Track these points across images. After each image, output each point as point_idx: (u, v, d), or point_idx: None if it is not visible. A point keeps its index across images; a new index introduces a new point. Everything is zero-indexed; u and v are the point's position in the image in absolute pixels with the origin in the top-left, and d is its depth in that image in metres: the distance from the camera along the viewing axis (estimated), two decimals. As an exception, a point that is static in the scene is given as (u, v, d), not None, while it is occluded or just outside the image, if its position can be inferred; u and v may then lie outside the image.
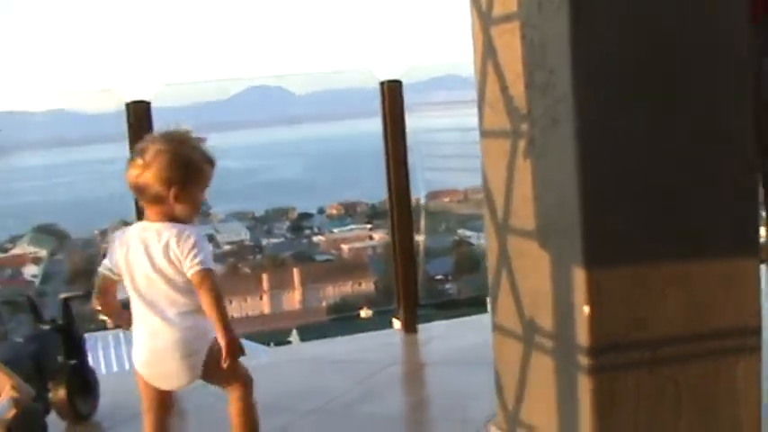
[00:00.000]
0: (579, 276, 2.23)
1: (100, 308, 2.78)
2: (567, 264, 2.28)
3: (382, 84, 4.79)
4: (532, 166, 2.40)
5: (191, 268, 2.57)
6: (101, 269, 2.74)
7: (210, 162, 2.66)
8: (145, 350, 2.69)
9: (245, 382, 2.72)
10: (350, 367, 4.48)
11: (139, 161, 2.63)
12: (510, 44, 2.46)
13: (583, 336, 2.26)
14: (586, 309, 2.23)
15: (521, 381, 2.63)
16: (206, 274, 2.56)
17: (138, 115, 4.44)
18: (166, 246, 2.59)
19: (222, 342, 2.52)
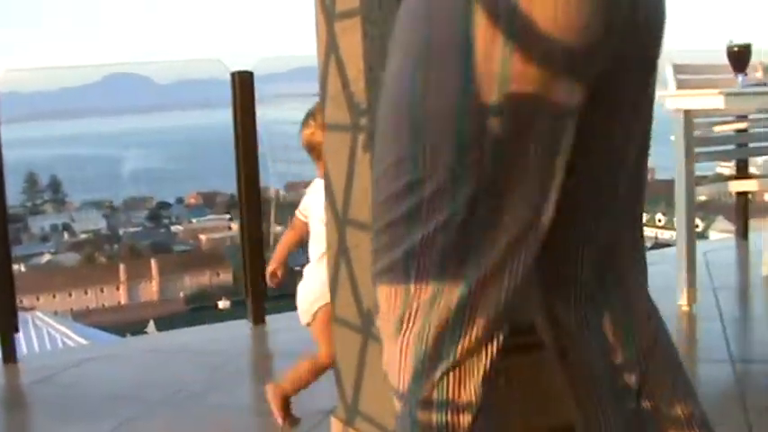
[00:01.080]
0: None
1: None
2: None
3: (233, 74, 4.81)
4: (371, 160, 2.44)
5: None
6: (297, 212, 3.11)
7: None
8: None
9: None
10: (200, 358, 4.48)
11: (312, 122, 2.93)
12: (351, 40, 2.49)
13: (417, 327, 2.30)
14: (420, 301, 2.27)
15: (358, 371, 2.67)
16: None
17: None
18: None
19: None
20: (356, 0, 2.45)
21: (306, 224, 3.06)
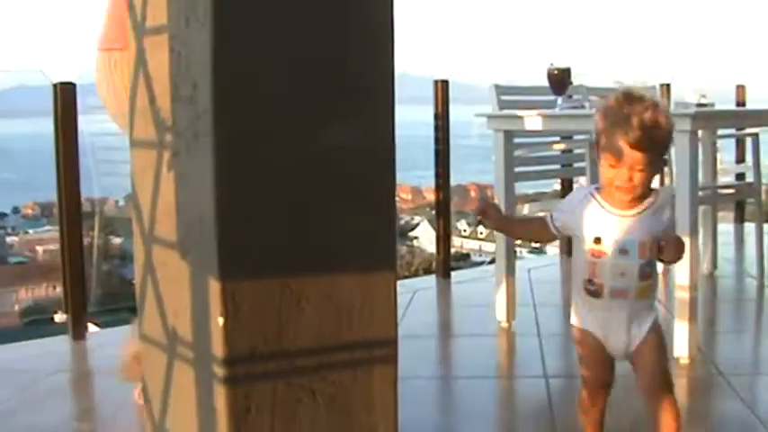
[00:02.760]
0: (214, 288, 2.27)
1: None
2: (204, 276, 2.31)
3: (55, 85, 4.73)
4: (176, 179, 2.42)
5: None
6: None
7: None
8: None
9: None
10: (12, 376, 4.36)
11: None
12: (159, 56, 2.46)
13: (218, 346, 2.29)
14: (221, 320, 2.27)
15: (165, 391, 2.64)
16: None
17: None
18: None
19: None
20: (164, 17, 2.43)
21: None
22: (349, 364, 2.48)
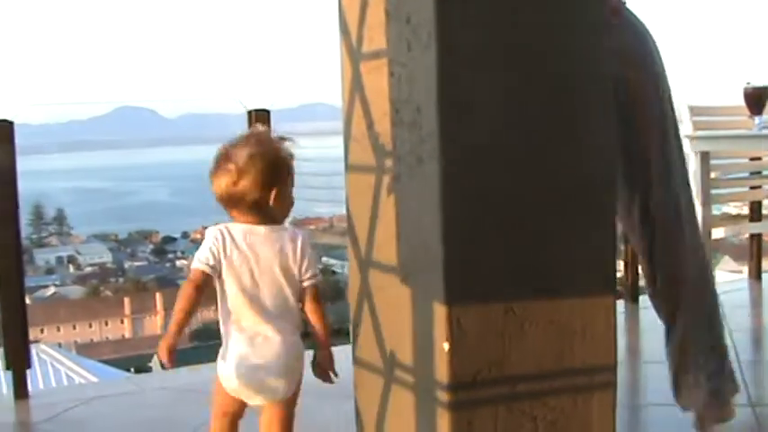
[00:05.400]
0: (439, 313, 2.26)
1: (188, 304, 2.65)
2: (427, 300, 2.30)
3: (250, 113, 4.81)
4: (396, 203, 2.42)
5: (309, 279, 2.61)
6: (197, 264, 2.64)
7: (293, 157, 2.66)
8: (243, 360, 2.67)
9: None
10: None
11: (232, 167, 2.59)
12: (378, 81, 2.47)
13: (442, 372, 2.28)
14: (446, 345, 2.25)
15: (380, 415, 2.64)
16: (318, 285, 2.61)
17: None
18: (281, 252, 2.61)
19: (327, 356, 2.62)
20: (383, 41, 2.44)
21: (210, 278, 2.66)
22: (570, 389, 2.43)
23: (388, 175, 2.46)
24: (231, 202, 2.66)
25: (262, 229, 2.66)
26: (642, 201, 3.15)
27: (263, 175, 2.60)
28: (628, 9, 3.12)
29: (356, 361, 2.77)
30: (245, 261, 2.64)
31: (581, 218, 2.37)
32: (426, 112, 2.25)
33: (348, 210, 2.73)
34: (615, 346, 2.49)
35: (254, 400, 2.75)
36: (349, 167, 2.70)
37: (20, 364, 4.49)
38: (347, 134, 2.70)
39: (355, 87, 2.63)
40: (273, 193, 2.62)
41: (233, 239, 2.65)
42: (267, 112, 4.84)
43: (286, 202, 2.69)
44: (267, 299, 2.65)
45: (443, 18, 2.20)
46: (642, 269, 3.39)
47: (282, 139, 2.70)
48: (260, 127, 2.76)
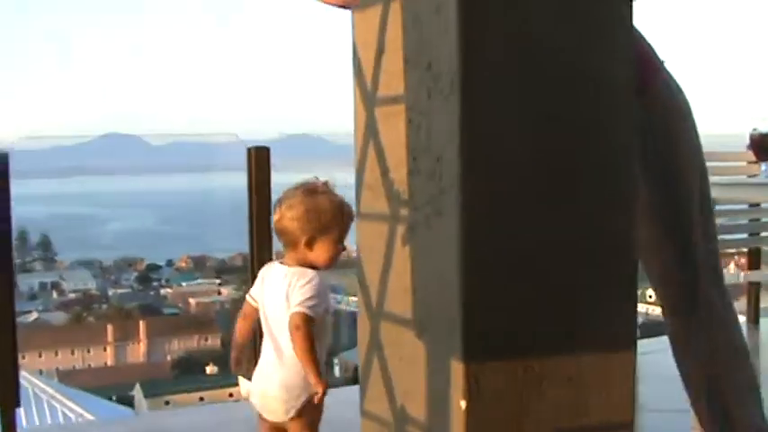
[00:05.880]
0: (457, 370, 2.18)
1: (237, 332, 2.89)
2: (444, 356, 2.23)
3: (249, 150, 4.76)
4: (412, 255, 2.35)
5: (294, 308, 2.61)
6: (247, 295, 2.87)
7: (348, 214, 2.69)
8: (259, 382, 2.80)
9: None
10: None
11: (278, 207, 2.75)
12: (394, 127, 2.41)
13: (458, 429, 2.20)
14: (463, 403, 2.17)
15: (388, 470, 2.56)
16: (306, 319, 2.58)
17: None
18: (288, 286, 2.67)
19: (318, 387, 2.58)
20: (401, 87, 2.38)
21: (256, 310, 2.84)
22: (587, 448, 2.36)
23: (403, 225, 2.39)
24: (278, 235, 2.81)
25: (287, 268, 2.71)
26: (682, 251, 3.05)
27: (299, 222, 2.67)
28: (665, 69, 3.02)
29: (364, 413, 2.69)
30: (263, 294, 2.78)
31: (600, 275, 2.31)
32: (447, 163, 2.18)
33: (359, 257, 2.66)
34: (633, 401, 2.43)
35: (268, 416, 2.82)
36: (361, 215, 2.63)
37: (9, 402, 4.38)
38: (359, 180, 2.64)
39: (369, 133, 2.56)
40: (305, 239, 2.64)
41: (264, 274, 2.83)
42: (267, 149, 4.78)
43: (325, 252, 2.69)
44: (273, 327, 2.74)
45: (467, 67, 2.13)
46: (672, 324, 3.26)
47: (335, 194, 2.73)
48: (319, 179, 2.82)
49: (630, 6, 2.35)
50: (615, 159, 2.31)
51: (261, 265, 4.75)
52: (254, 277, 4.83)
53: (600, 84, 2.30)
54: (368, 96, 2.56)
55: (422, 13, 2.29)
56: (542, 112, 2.22)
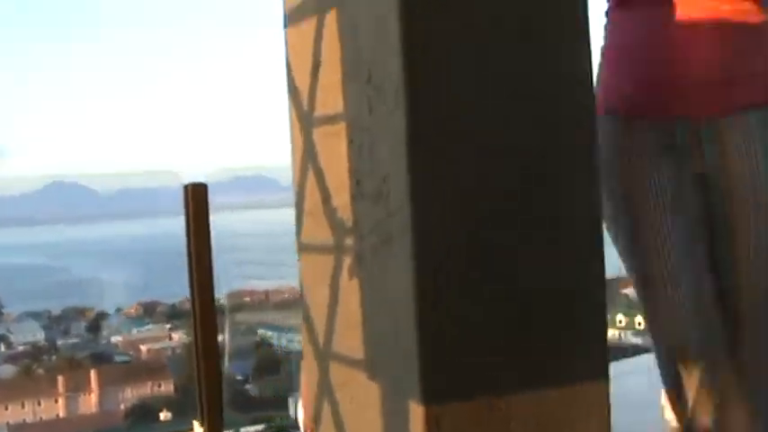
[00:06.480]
0: (416, 413, 1.95)
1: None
2: (400, 398, 1.99)
3: (186, 187, 4.55)
4: (361, 287, 2.12)
5: None
6: None
7: None
8: None
9: None
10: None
11: None
12: (334, 148, 2.18)
13: (419, 476, 1.97)
14: (424, 450, 1.94)
15: None
16: None
17: None
18: None
19: None
20: (340, 104, 2.15)
21: None
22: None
23: (349, 256, 2.17)
24: None
25: None
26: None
27: None
28: None
29: (315, 464, 2.45)
30: None
31: (572, 297, 2.09)
32: (395, 182, 1.95)
33: (303, 294, 2.42)
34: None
35: None
36: (303, 246, 2.40)
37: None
38: (299, 209, 2.41)
39: (308, 156, 2.33)
40: None
41: None
42: (204, 186, 4.57)
43: None
44: None
45: (412, 75, 1.91)
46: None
47: None
48: None
49: (587, 21, 2.14)
50: (573, 179, 2.10)
51: (203, 306, 4.58)
52: (197, 320, 4.66)
53: (558, 95, 2.08)
54: (304, 116, 2.34)
55: (360, 20, 2.07)
56: (497, 121, 2.00)
